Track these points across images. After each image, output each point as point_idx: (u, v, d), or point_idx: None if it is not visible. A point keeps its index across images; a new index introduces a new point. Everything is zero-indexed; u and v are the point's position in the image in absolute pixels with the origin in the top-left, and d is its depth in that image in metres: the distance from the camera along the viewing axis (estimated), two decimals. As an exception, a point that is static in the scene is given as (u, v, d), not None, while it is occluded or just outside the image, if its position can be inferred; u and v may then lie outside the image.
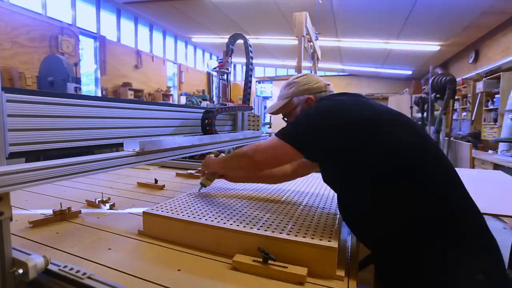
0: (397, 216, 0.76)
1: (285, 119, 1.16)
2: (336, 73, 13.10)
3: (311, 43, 3.80)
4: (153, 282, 0.70)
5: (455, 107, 7.04)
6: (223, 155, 1.25)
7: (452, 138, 4.78)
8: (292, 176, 1.31)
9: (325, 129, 0.83)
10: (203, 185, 1.22)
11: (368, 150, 0.79)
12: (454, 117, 7.20)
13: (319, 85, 1.09)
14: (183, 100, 9.99)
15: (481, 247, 0.72)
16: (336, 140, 0.82)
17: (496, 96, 5.33)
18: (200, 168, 2.06)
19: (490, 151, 5.08)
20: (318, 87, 1.08)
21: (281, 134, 0.89)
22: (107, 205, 1.27)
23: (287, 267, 0.72)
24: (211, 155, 1.23)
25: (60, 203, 1.16)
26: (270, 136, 1.93)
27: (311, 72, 4.66)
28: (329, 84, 1.12)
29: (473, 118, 6.24)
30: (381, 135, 0.80)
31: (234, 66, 13.70)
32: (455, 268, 0.68)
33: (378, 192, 0.78)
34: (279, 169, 1.24)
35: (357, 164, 0.81)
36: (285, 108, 1.12)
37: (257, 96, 11.64)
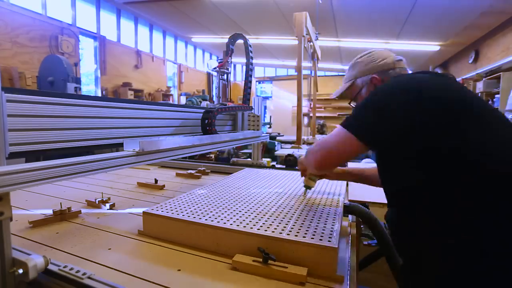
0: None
1: (352, 104, 1.05)
2: (336, 73, 13.09)
3: (311, 43, 3.80)
4: (153, 282, 0.70)
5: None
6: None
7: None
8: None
9: (394, 116, 0.69)
10: (308, 187, 1.17)
11: (452, 145, 0.63)
12: (454, 117, 7.20)
13: (386, 61, 0.95)
14: (183, 100, 9.99)
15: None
16: (404, 124, 0.68)
17: (496, 96, 5.33)
18: (200, 168, 2.06)
19: (490, 151, 5.09)
20: (385, 64, 0.95)
21: (346, 122, 0.80)
22: (107, 205, 1.27)
23: (287, 267, 0.72)
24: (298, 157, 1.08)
25: (60, 203, 1.16)
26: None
27: (311, 72, 4.66)
28: (401, 60, 0.97)
29: (473, 118, 6.23)
30: (474, 129, 0.64)
31: (234, 66, 13.70)
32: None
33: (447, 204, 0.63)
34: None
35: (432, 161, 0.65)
36: (350, 91, 1.02)
37: (257, 96, 11.62)
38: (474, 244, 0.60)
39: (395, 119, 0.71)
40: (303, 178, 1.17)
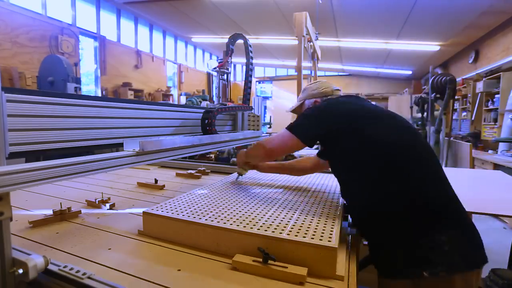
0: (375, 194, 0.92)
1: None
2: (336, 73, 13.09)
3: (311, 43, 3.80)
4: (153, 282, 0.70)
5: (455, 107, 7.04)
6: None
7: (452, 138, 4.78)
8: (310, 171, 1.53)
9: (319, 124, 1.05)
10: (239, 174, 1.50)
11: (351, 139, 0.98)
12: (454, 117, 7.20)
13: (326, 90, 1.29)
14: (183, 100, 9.99)
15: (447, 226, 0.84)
16: (331, 132, 1.03)
17: (496, 96, 5.33)
18: (200, 168, 2.06)
19: (490, 151, 5.09)
20: (325, 92, 1.29)
21: (289, 127, 1.10)
22: (107, 205, 1.27)
23: (287, 267, 0.72)
24: (242, 150, 1.46)
25: (60, 203, 1.16)
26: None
27: (311, 72, 4.66)
28: (338, 89, 1.31)
29: (473, 118, 6.24)
30: (369, 129, 0.97)
31: (234, 66, 13.70)
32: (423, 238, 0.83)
33: (360, 173, 0.96)
34: (300, 164, 1.51)
35: (347, 153, 1.01)
36: (300, 108, 1.36)
37: (257, 96, 11.63)
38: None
39: (320, 125, 1.05)
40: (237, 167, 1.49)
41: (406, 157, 0.93)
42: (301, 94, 1.38)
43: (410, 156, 0.93)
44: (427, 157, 0.96)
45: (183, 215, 0.93)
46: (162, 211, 0.97)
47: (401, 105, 8.23)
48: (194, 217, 0.92)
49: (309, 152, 3.00)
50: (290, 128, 1.10)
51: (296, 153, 2.66)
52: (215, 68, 1.92)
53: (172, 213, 0.96)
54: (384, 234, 0.89)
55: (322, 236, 0.79)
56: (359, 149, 0.96)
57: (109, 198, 1.32)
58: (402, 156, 0.93)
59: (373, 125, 0.99)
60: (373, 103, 1.20)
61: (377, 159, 0.93)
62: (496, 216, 3.47)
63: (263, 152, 1.20)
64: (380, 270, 0.91)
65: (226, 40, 1.90)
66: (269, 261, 0.74)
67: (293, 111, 1.39)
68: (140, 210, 1.05)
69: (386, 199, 0.89)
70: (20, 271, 0.62)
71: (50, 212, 1.11)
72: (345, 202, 1.12)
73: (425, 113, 4.98)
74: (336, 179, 1.13)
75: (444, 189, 0.91)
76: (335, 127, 1.02)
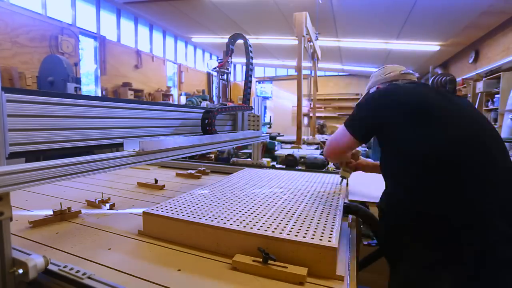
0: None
1: None
2: (336, 73, 13.10)
3: (311, 43, 3.80)
4: (153, 282, 0.70)
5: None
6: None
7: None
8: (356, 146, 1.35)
9: (367, 114, 0.98)
10: (343, 177, 1.40)
11: (412, 138, 0.86)
12: (454, 117, 7.19)
13: (390, 75, 1.17)
14: (183, 100, 9.99)
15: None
16: (380, 124, 0.94)
17: (496, 96, 5.33)
18: (200, 168, 2.06)
19: (490, 151, 5.08)
20: (390, 77, 1.17)
21: (345, 121, 1.05)
22: (107, 205, 1.27)
23: (287, 267, 0.72)
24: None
25: (60, 203, 1.16)
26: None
27: (311, 72, 4.66)
28: (410, 73, 1.16)
29: (473, 118, 6.22)
30: (427, 127, 0.85)
31: (234, 66, 13.70)
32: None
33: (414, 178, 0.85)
34: None
35: (394, 149, 0.91)
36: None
37: (257, 96, 11.61)
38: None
39: (368, 115, 0.98)
40: (340, 169, 1.40)
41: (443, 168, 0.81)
42: (369, 81, 1.29)
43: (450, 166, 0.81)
44: (479, 165, 0.81)
45: (183, 215, 0.93)
46: (162, 211, 0.97)
47: (401, 105, 8.22)
48: (194, 217, 0.92)
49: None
50: (345, 122, 1.04)
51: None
52: (215, 68, 1.92)
53: (172, 213, 0.96)
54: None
55: (322, 236, 0.79)
56: (395, 152, 0.91)
57: (109, 198, 1.32)
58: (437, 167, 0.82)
59: (416, 124, 0.86)
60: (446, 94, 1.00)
61: (408, 166, 0.85)
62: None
63: (326, 153, 1.19)
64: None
65: (226, 40, 1.90)
66: (269, 261, 0.74)
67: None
68: (140, 210, 1.05)
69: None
70: (20, 271, 0.62)
71: (50, 212, 1.11)
72: (346, 202, 1.10)
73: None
74: (336, 178, 1.08)
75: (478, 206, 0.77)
76: (381, 120, 0.92)
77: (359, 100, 1.23)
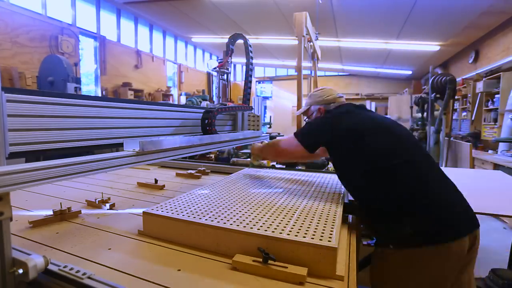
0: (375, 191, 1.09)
1: (306, 119, 1.60)
2: (336, 73, 13.10)
3: (311, 43, 3.80)
4: (153, 282, 0.70)
5: (455, 107, 7.04)
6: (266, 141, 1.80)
7: (452, 138, 4.78)
8: (307, 158, 1.87)
9: (324, 136, 1.25)
10: (252, 164, 1.90)
11: (351, 152, 1.16)
12: (454, 117, 7.20)
13: (329, 98, 1.47)
14: (183, 100, 9.99)
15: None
16: (331, 143, 1.23)
17: (496, 96, 5.32)
18: (200, 168, 2.07)
19: (490, 151, 5.09)
20: (328, 100, 1.47)
21: (296, 134, 1.32)
22: (107, 205, 1.27)
23: (287, 267, 0.72)
24: (256, 143, 1.74)
25: (60, 203, 1.16)
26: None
27: (311, 72, 4.66)
28: (341, 96, 1.49)
29: (473, 118, 6.24)
30: (361, 142, 1.14)
31: (234, 66, 13.70)
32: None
33: (362, 177, 1.12)
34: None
35: (345, 159, 1.21)
36: (306, 113, 1.57)
37: (257, 96, 11.61)
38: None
39: (322, 135, 1.25)
40: (251, 156, 1.81)
41: (390, 162, 1.09)
42: (307, 99, 1.57)
43: (395, 162, 1.09)
44: (415, 161, 1.12)
45: (183, 215, 0.93)
46: (162, 211, 0.97)
47: (401, 105, 8.22)
48: (194, 217, 0.92)
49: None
50: (297, 135, 1.30)
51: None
52: (215, 68, 1.92)
53: (172, 213, 0.96)
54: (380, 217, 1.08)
55: (322, 236, 0.79)
56: (353, 156, 1.16)
57: (109, 198, 1.32)
58: (386, 162, 1.09)
59: (366, 138, 1.15)
60: (373, 111, 1.39)
61: (366, 163, 1.11)
62: (496, 216, 3.47)
63: (274, 153, 1.53)
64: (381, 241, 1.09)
65: (226, 40, 1.90)
66: (269, 261, 0.74)
67: (303, 113, 1.62)
68: (140, 210, 1.05)
69: (377, 197, 1.08)
70: (20, 271, 0.62)
71: (50, 212, 1.11)
72: (346, 201, 1.19)
73: (425, 113, 4.98)
74: (336, 178, 1.23)
75: (423, 186, 1.06)
76: (334, 139, 1.21)
77: (300, 113, 1.64)
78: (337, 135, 1.20)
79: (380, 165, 1.08)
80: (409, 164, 1.09)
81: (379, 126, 1.21)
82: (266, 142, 1.70)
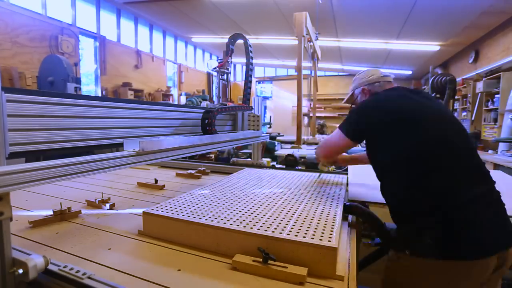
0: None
1: (353, 106, 1.43)
2: (336, 73, 13.09)
3: (311, 43, 3.81)
4: (153, 282, 0.70)
5: (455, 107, 7.04)
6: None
7: (452, 138, 4.77)
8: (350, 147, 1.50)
9: (369, 121, 1.10)
10: (320, 171, 1.69)
11: (398, 142, 1.02)
12: (454, 117, 7.19)
13: (373, 77, 1.32)
14: (183, 100, 9.99)
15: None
16: (376, 130, 1.08)
17: (496, 96, 5.32)
18: (200, 168, 2.07)
19: (490, 151, 5.09)
20: (372, 80, 1.32)
21: (341, 125, 1.19)
22: (107, 205, 1.27)
23: (287, 267, 0.72)
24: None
25: (60, 203, 1.16)
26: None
27: (311, 72, 4.67)
28: (387, 75, 1.33)
29: (473, 118, 6.24)
30: (414, 133, 1.01)
31: (234, 66, 13.70)
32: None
33: (403, 173, 1.00)
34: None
35: (388, 149, 1.05)
36: (351, 98, 1.43)
37: (257, 96, 11.59)
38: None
39: (369, 121, 1.10)
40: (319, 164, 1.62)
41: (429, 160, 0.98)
42: (352, 83, 1.44)
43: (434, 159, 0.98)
44: (462, 167, 0.99)
45: (183, 215, 0.93)
46: (162, 211, 0.97)
47: (401, 105, 8.21)
48: (194, 217, 0.92)
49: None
50: (341, 126, 1.19)
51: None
52: (215, 68, 1.93)
53: (172, 213, 0.96)
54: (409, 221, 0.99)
55: (322, 236, 0.79)
56: (398, 147, 1.02)
57: (109, 198, 1.32)
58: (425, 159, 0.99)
59: (406, 129, 1.02)
60: (433, 99, 1.19)
61: (413, 158, 0.99)
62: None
63: (322, 153, 1.35)
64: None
65: (226, 40, 1.90)
66: (269, 261, 0.74)
67: (347, 101, 1.48)
68: (140, 210, 1.05)
69: (411, 199, 0.98)
70: (20, 271, 0.62)
71: (50, 212, 1.11)
72: (346, 203, 1.15)
73: (425, 113, 4.97)
74: (336, 178, 1.12)
75: (458, 195, 0.95)
76: (379, 125, 1.07)
77: (345, 101, 1.47)
78: (384, 120, 1.06)
79: (428, 164, 0.97)
80: (455, 170, 0.98)
81: (437, 118, 1.06)
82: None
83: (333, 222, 0.91)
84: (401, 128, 1.03)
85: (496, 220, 0.94)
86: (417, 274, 0.94)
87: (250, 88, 1.98)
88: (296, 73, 3.03)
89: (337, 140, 1.20)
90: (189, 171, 1.98)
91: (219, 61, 1.93)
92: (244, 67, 1.96)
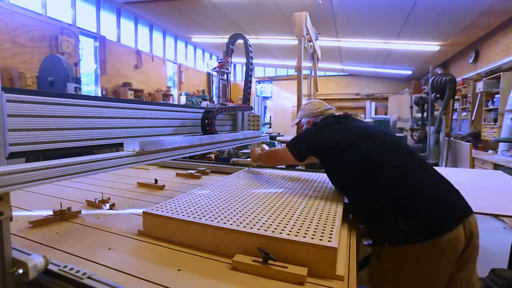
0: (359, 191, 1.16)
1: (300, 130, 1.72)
2: (336, 73, 13.09)
3: (311, 43, 3.80)
4: (153, 282, 0.70)
5: (455, 107, 7.04)
6: (265, 146, 1.95)
7: (452, 138, 4.78)
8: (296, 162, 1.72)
9: (310, 147, 1.36)
10: (251, 165, 1.96)
11: (337, 159, 1.25)
12: (454, 117, 7.20)
13: (318, 111, 1.58)
14: (183, 100, 9.99)
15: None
16: (318, 152, 1.35)
17: (496, 96, 5.32)
18: (200, 168, 2.07)
19: (490, 151, 5.08)
20: (317, 113, 1.58)
21: (289, 145, 1.43)
22: (107, 205, 1.27)
23: (287, 267, 0.72)
24: (256, 147, 1.91)
25: (60, 203, 1.16)
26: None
27: (311, 72, 4.66)
28: (330, 108, 1.60)
29: (473, 118, 6.23)
30: (345, 149, 1.23)
31: (234, 66, 13.70)
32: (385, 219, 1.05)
33: (350, 181, 1.20)
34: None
35: (333, 165, 1.30)
36: (298, 124, 1.74)
37: (257, 96, 11.60)
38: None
39: (310, 144, 1.36)
40: (250, 159, 2.04)
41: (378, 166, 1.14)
42: (299, 112, 1.71)
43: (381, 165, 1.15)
44: (400, 160, 1.18)
45: (183, 215, 0.93)
46: (162, 211, 0.97)
47: (401, 105, 8.22)
48: (194, 217, 0.92)
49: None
50: (288, 145, 1.43)
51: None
52: (215, 68, 1.92)
53: (172, 213, 0.96)
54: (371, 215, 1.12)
55: (322, 236, 0.79)
56: (339, 162, 1.24)
57: (109, 198, 1.32)
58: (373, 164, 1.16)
59: (349, 145, 1.23)
60: (365, 120, 1.38)
61: (352, 168, 1.18)
62: (496, 216, 3.47)
63: (270, 162, 1.71)
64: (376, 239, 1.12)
65: (226, 40, 1.90)
66: (269, 261, 0.74)
67: (296, 124, 1.78)
68: (140, 210, 1.05)
69: (364, 195, 1.14)
70: (20, 271, 0.62)
71: (50, 212, 1.11)
72: (346, 201, 1.20)
73: (425, 113, 4.98)
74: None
75: (408, 186, 1.08)
76: (318, 148, 1.33)
77: (298, 125, 1.75)
78: (320, 144, 1.31)
79: (366, 168, 1.14)
80: (394, 164, 1.14)
81: (360, 133, 1.30)
82: (266, 149, 1.81)
83: (333, 222, 0.91)
84: (348, 147, 1.23)
85: (450, 195, 1.07)
86: (398, 263, 1.02)
87: (250, 88, 1.98)
88: (296, 73, 3.03)
89: (285, 156, 1.44)
90: (189, 171, 1.98)
91: (219, 61, 1.93)
92: (244, 67, 1.96)
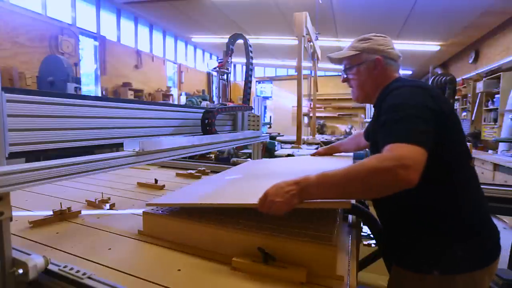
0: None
1: (345, 74, 1.10)
2: (336, 73, 13.08)
3: (311, 43, 3.81)
4: (153, 282, 0.70)
5: (455, 107, 7.04)
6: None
7: (452, 138, 4.77)
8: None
9: (435, 118, 0.78)
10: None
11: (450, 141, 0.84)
12: (454, 117, 7.19)
13: (393, 52, 1.03)
14: (183, 100, 9.98)
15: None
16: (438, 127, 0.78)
17: (496, 96, 5.32)
18: (200, 168, 2.06)
19: (490, 151, 5.08)
20: (392, 54, 1.02)
21: (404, 136, 0.71)
22: (107, 205, 1.27)
23: (287, 267, 0.72)
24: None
25: (60, 203, 1.15)
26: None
27: (311, 72, 4.66)
28: (400, 57, 1.07)
29: (473, 118, 6.24)
30: (458, 130, 0.87)
31: (234, 66, 13.69)
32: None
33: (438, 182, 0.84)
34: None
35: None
36: (351, 60, 1.06)
37: (257, 96, 11.58)
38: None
39: (437, 114, 0.80)
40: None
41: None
42: (357, 42, 1.07)
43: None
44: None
45: (183, 215, 0.93)
46: (162, 211, 0.97)
47: (401, 105, 8.21)
48: (194, 217, 0.92)
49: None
50: (405, 137, 0.71)
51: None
52: (215, 68, 1.93)
53: (172, 213, 0.96)
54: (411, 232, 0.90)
55: (322, 236, 0.79)
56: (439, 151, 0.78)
57: (109, 198, 1.32)
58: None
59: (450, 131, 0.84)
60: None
61: (451, 164, 0.85)
62: (496, 216, 3.47)
63: (393, 180, 0.66)
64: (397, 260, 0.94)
65: (226, 40, 1.90)
66: (269, 261, 0.74)
67: (339, 59, 1.12)
68: (140, 210, 1.05)
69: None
70: (20, 271, 0.62)
71: (50, 212, 1.11)
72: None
73: (425, 113, 4.97)
74: None
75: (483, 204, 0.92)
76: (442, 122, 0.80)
77: (350, 60, 1.06)
78: (443, 116, 0.81)
79: (462, 172, 0.87)
80: (474, 175, 0.91)
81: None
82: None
83: (333, 222, 0.91)
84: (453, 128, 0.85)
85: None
86: None
87: (250, 88, 1.98)
88: (296, 73, 3.03)
89: (418, 155, 0.69)
90: (189, 171, 1.98)
91: (219, 61, 1.93)
92: (244, 67, 1.96)
